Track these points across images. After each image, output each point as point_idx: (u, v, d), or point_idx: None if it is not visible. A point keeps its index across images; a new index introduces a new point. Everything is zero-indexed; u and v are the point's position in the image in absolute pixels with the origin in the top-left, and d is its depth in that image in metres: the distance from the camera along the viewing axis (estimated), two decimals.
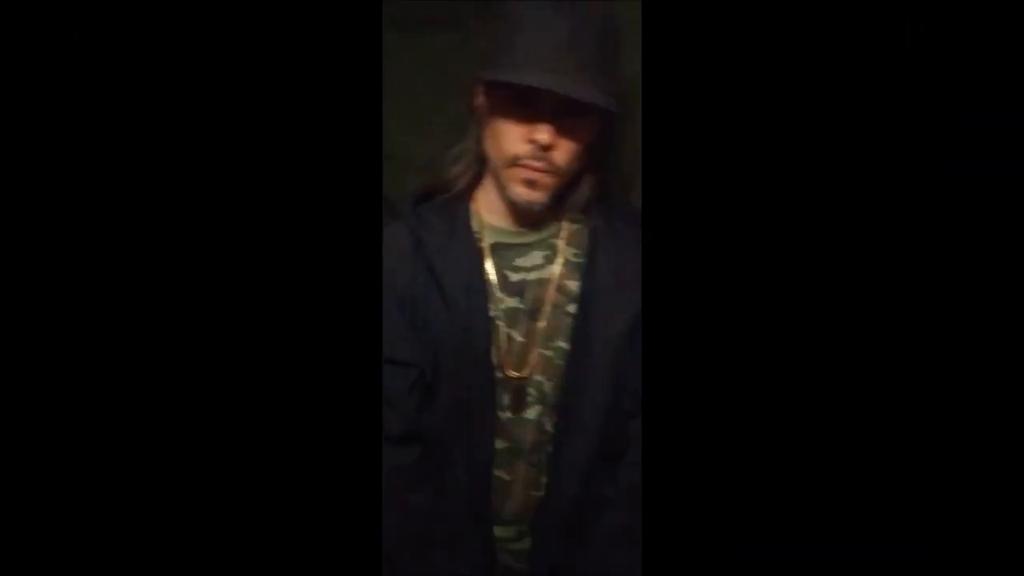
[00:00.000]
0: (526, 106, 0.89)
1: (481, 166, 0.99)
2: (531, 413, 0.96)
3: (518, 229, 0.99)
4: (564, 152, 0.91)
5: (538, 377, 0.96)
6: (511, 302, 0.97)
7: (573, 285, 0.97)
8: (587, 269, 0.97)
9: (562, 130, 0.90)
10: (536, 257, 0.98)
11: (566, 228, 0.99)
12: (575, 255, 0.98)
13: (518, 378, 0.95)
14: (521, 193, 0.93)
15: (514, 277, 0.97)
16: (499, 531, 0.97)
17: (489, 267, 0.97)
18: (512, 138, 0.91)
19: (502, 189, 0.95)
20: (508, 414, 0.96)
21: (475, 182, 1.00)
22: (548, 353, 0.95)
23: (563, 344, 0.96)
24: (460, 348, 0.94)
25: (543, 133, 0.89)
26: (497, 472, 0.96)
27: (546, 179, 0.92)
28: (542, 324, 0.96)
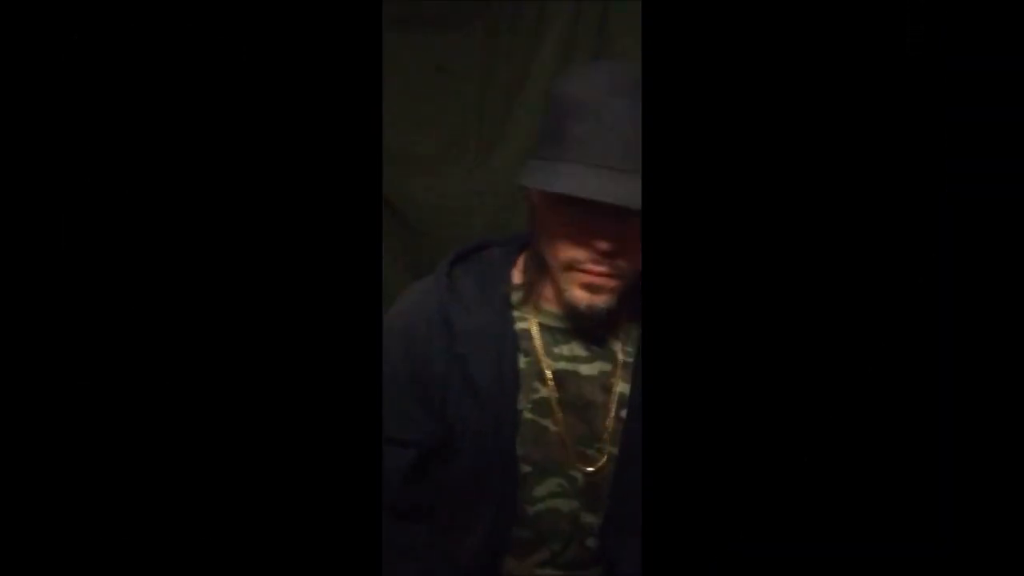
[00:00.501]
0: (580, 206, 0.76)
1: (539, 266, 0.86)
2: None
3: (563, 319, 0.87)
4: (631, 257, 0.79)
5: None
6: (545, 392, 0.86)
7: (620, 385, 0.87)
8: (636, 367, 0.87)
9: (624, 232, 0.78)
10: (578, 348, 0.87)
11: (624, 322, 0.88)
12: (627, 352, 0.88)
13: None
14: (580, 297, 0.81)
15: (554, 366, 0.86)
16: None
17: (526, 357, 0.86)
18: (568, 242, 0.80)
19: (559, 292, 0.84)
20: (540, 506, 0.88)
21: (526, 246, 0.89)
22: (594, 454, 0.87)
23: (612, 450, 0.87)
24: (486, 440, 0.85)
25: (604, 241, 0.78)
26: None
27: (610, 283, 0.81)
28: (577, 420, 0.87)
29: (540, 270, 0.86)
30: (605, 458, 0.86)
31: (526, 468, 0.86)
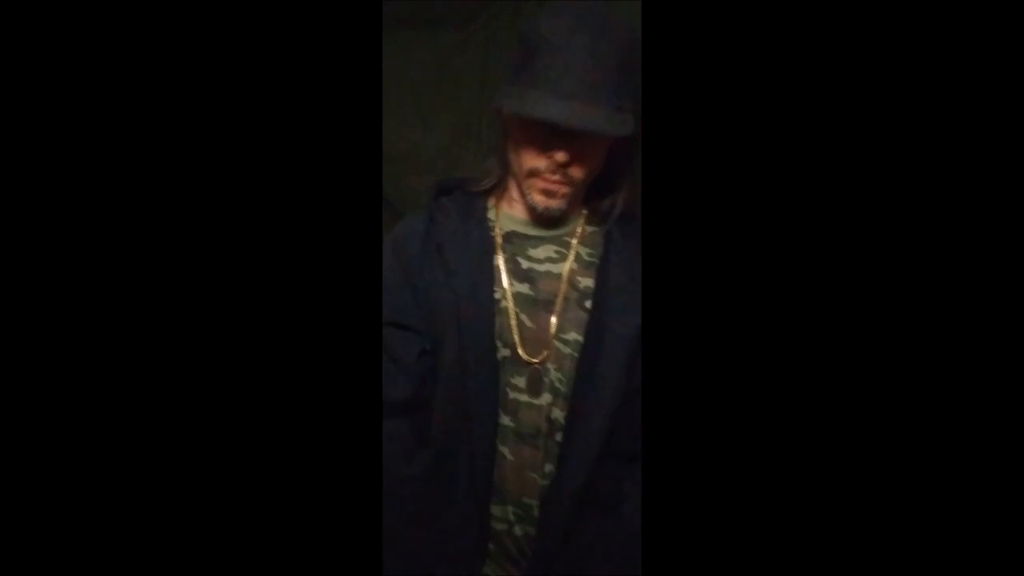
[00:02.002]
0: (543, 125, 0.92)
1: (505, 171, 1.03)
2: (543, 399, 0.97)
3: (535, 226, 1.03)
4: (581, 168, 0.96)
5: (551, 366, 0.97)
6: (520, 287, 0.99)
7: (587, 281, 1.00)
8: (600, 268, 1.00)
9: (579, 149, 0.94)
10: (549, 251, 1.01)
11: (581, 229, 1.03)
12: (589, 254, 1.02)
13: (533, 363, 0.97)
14: (539, 200, 0.98)
15: (524, 264, 1.00)
16: (496, 509, 0.98)
17: (500, 253, 1.01)
18: (531, 153, 0.96)
19: (522, 195, 1.00)
20: (519, 396, 0.97)
21: (498, 184, 1.04)
22: (560, 345, 0.97)
23: (577, 337, 0.98)
24: (464, 326, 0.97)
25: (560, 153, 0.93)
26: (501, 448, 0.97)
27: (563, 189, 0.97)
28: (554, 316, 0.98)
29: (507, 177, 1.03)
30: (575, 354, 0.98)
31: (504, 352, 0.98)
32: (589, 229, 1.03)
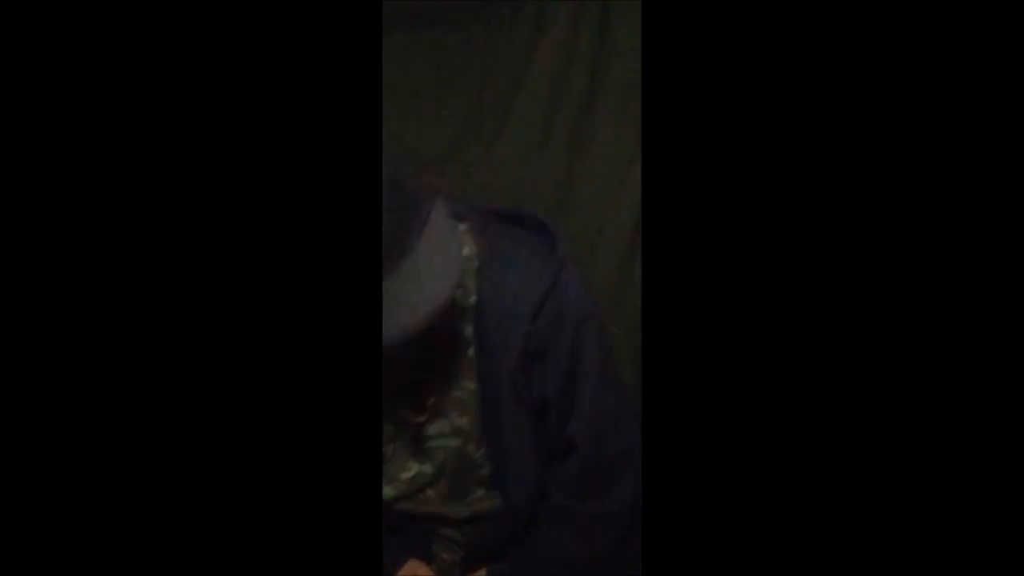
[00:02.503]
0: None
1: None
2: (445, 443, 1.01)
3: None
4: None
5: (450, 412, 1.00)
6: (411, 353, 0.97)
7: (467, 331, 1.00)
8: (476, 311, 0.99)
9: None
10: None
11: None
12: (461, 299, 0.99)
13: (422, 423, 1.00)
14: None
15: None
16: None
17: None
18: None
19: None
20: (412, 446, 1.01)
21: None
22: (458, 394, 1.00)
23: (469, 384, 1.00)
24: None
25: None
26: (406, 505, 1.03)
27: None
28: (441, 366, 0.99)
29: None
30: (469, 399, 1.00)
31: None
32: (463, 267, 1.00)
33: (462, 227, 1.01)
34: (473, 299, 0.99)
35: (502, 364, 0.98)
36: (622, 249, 1.29)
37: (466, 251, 1.00)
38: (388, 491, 1.02)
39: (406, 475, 1.02)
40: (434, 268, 0.85)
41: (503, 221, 1.05)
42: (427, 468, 1.02)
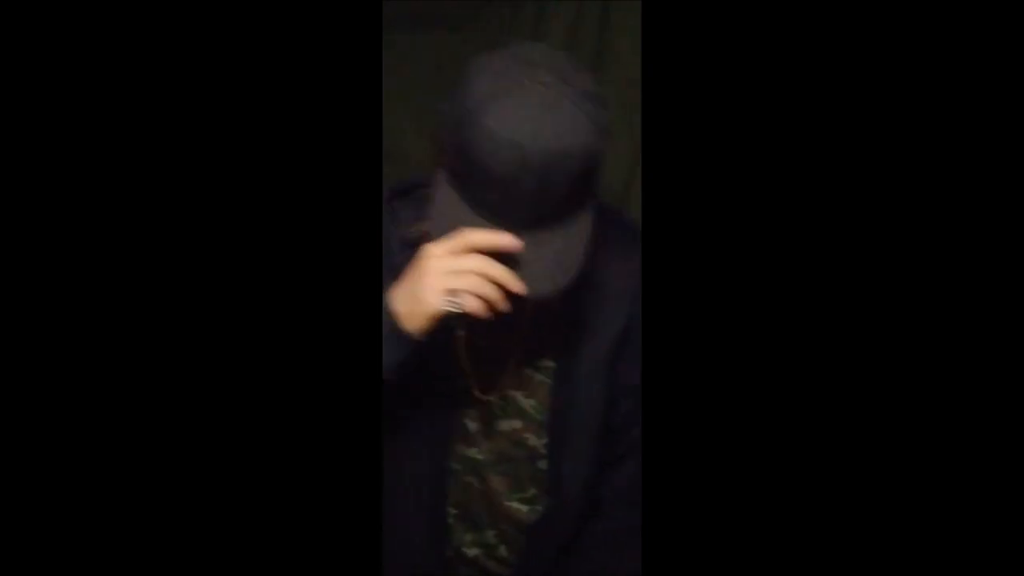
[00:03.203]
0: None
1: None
2: (504, 426, 0.94)
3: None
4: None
5: (518, 393, 0.93)
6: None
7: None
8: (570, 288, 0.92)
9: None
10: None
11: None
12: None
13: (486, 399, 0.93)
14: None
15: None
16: (472, 536, 0.97)
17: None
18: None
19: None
20: (475, 424, 0.94)
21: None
22: (528, 371, 0.93)
23: (549, 363, 0.93)
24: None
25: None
26: (467, 478, 0.95)
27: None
28: (512, 337, 0.92)
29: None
30: (544, 378, 0.93)
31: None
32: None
33: None
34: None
35: (601, 343, 0.92)
36: None
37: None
38: (453, 464, 0.96)
39: (469, 452, 0.95)
40: (570, 236, 0.79)
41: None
42: (484, 451, 0.95)
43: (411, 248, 0.86)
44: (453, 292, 0.76)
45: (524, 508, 0.96)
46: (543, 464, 0.94)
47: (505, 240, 0.76)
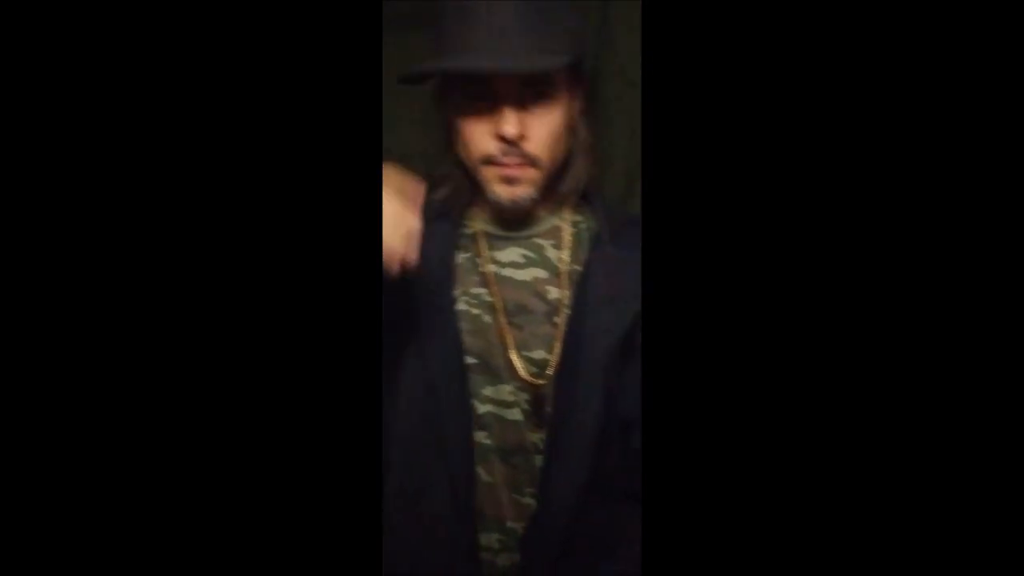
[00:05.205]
0: (484, 98, 0.84)
1: (463, 171, 0.92)
2: (514, 414, 0.91)
3: (503, 226, 0.94)
4: (538, 141, 0.86)
5: (516, 384, 0.91)
6: (481, 291, 0.91)
7: (556, 292, 0.91)
8: (581, 279, 0.91)
9: (530, 117, 0.85)
10: (514, 254, 0.93)
11: (558, 229, 0.93)
12: (564, 261, 0.93)
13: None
14: (502, 192, 0.87)
15: (486, 268, 0.91)
16: (480, 538, 0.91)
17: (462, 253, 0.92)
18: (479, 138, 0.86)
19: (486, 193, 0.90)
20: (491, 408, 0.91)
21: (459, 188, 0.94)
22: (521, 362, 0.90)
23: (545, 355, 0.90)
24: (425, 333, 0.89)
25: (508, 124, 0.84)
26: (476, 468, 0.90)
27: (525, 172, 0.87)
28: (516, 330, 0.90)
29: (466, 176, 0.92)
30: (540, 370, 0.90)
31: (471, 360, 0.90)
32: (571, 230, 0.94)
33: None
34: (579, 267, 0.91)
35: (598, 343, 0.88)
36: None
37: (580, 219, 0.93)
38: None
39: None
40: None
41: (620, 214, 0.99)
42: (484, 437, 0.91)
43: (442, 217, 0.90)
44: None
45: (527, 502, 0.90)
46: (539, 461, 0.90)
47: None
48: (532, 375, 0.89)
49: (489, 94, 0.84)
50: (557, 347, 0.90)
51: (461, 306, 0.91)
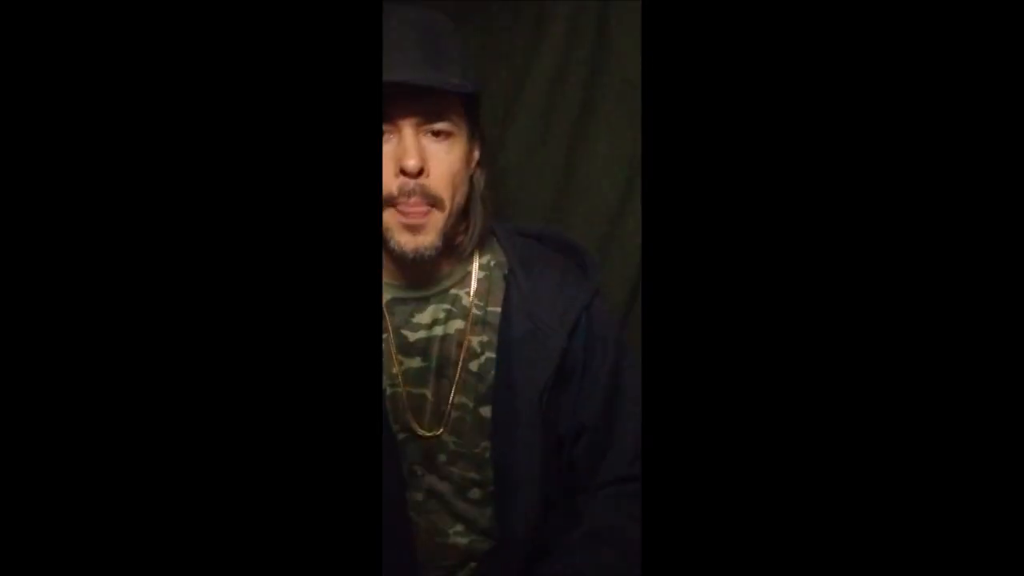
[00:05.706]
0: (386, 135, 0.84)
1: None
2: (450, 469, 0.94)
3: (413, 286, 0.93)
4: (437, 177, 0.85)
5: (448, 437, 0.93)
6: (414, 363, 0.92)
7: (482, 337, 0.93)
8: (502, 320, 0.93)
9: (428, 153, 0.84)
10: (436, 312, 0.93)
11: (469, 276, 0.94)
12: (480, 306, 0.94)
13: (428, 437, 0.93)
14: (405, 242, 0.86)
15: (412, 337, 0.92)
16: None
17: (385, 330, 0.92)
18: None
19: (388, 247, 0.87)
20: (421, 471, 0.94)
21: None
22: (457, 414, 0.93)
23: (469, 402, 0.93)
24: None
25: (409, 158, 0.83)
26: (416, 518, 0.94)
27: (426, 215, 0.85)
28: (445, 382, 0.92)
29: None
30: (470, 419, 0.92)
31: (401, 435, 0.92)
32: (478, 275, 0.94)
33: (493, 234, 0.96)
34: (497, 309, 0.93)
35: (529, 380, 0.90)
36: (623, 249, 1.29)
37: (488, 259, 0.96)
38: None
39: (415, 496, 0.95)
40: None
41: (526, 236, 1.00)
42: (434, 480, 0.95)
43: None
44: None
45: (462, 542, 0.95)
46: (490, 491, 0.93)
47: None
48: (425, 427, 0.92)
49: (391, 129, 0.84)
50: (483, 392, 0.93)
51: (390, 389, 0.92)
